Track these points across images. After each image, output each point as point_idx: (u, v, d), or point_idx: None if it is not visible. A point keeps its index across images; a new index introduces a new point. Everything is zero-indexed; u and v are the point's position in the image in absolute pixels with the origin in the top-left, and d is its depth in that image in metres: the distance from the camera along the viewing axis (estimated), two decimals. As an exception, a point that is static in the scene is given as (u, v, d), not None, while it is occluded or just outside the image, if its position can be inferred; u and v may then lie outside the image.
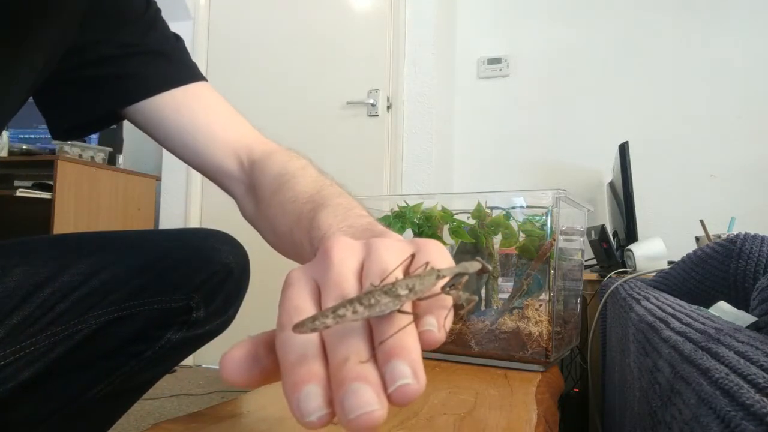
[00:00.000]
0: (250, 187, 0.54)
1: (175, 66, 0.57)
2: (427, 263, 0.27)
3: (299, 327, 0.22)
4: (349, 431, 0.20)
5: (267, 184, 0.49)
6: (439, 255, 0.28)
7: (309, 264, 0.28)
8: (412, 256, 0.28)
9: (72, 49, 0.52)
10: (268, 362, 0.24)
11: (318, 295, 0.26)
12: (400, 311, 0.24)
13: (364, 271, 0.27)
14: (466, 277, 0.28)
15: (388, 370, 0.21)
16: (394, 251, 0.28)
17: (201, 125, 0.55)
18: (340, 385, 0.20)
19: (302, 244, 0.40)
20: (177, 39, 0.59)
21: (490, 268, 0.29)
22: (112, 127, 2.38)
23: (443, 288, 0.26)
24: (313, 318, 0.22)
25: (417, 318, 0.24)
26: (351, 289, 0.25)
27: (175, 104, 0.55)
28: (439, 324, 0.24)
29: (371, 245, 0.28)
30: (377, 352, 0.22)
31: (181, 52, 0.59)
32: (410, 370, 0.21)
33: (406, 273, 0.27)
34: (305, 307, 0.24)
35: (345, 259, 0.27)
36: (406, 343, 0.22)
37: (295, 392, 0.21)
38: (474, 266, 0.28)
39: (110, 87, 0.55)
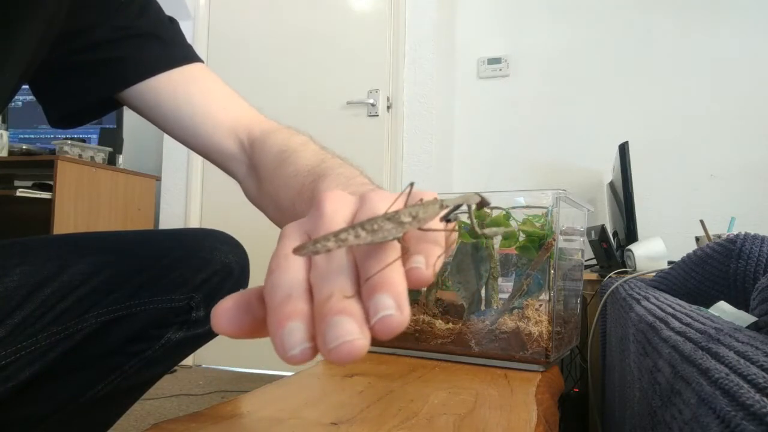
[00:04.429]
0: (251, 167, 0.53)
1: (170, 47, 0.56)
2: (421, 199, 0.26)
3: (300, 249, 0.21)
4: (330, 362, 0.20)
5: (268, 162, 0.49)
6: None
7: (303, 219, 0.28)
8: (411, 185, 0.27)
9: (65, 34, 0.51)
10: (260, 313, 0.24)
11: None
12: (399, 241, 0.23)
13: (355, 219, 0.26)
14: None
15: (371, 304, 0.21)
16: (388, 201, 0.27)
17: (198, 106, 0.55)
18: (322, 319, 0.20)
19: (305, 216, 0.40)
20: (171, 21, 0.58)
21: (489, 201, 0.29)
22: (111, 126, 2.35)
23: (442, 219, 0.26)
24: (315, 241, 0.22)
25: (406, 255, 0.23)
26: None
27: (171, 86, 0.55)
28: (428, 262, 0.23)
29: (365, 197, 0.28)
30: (362, 288, 0.22)
31: (175, 33, 0.58)
32: (394, 302, 0.21)
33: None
34: None
35: (337, 210, 0.27)
36: (391, 279, 0.22)
37: (279, 329, 0.21)
38: (474, 198, 0.29)
39: (105, 71, 0.54)
